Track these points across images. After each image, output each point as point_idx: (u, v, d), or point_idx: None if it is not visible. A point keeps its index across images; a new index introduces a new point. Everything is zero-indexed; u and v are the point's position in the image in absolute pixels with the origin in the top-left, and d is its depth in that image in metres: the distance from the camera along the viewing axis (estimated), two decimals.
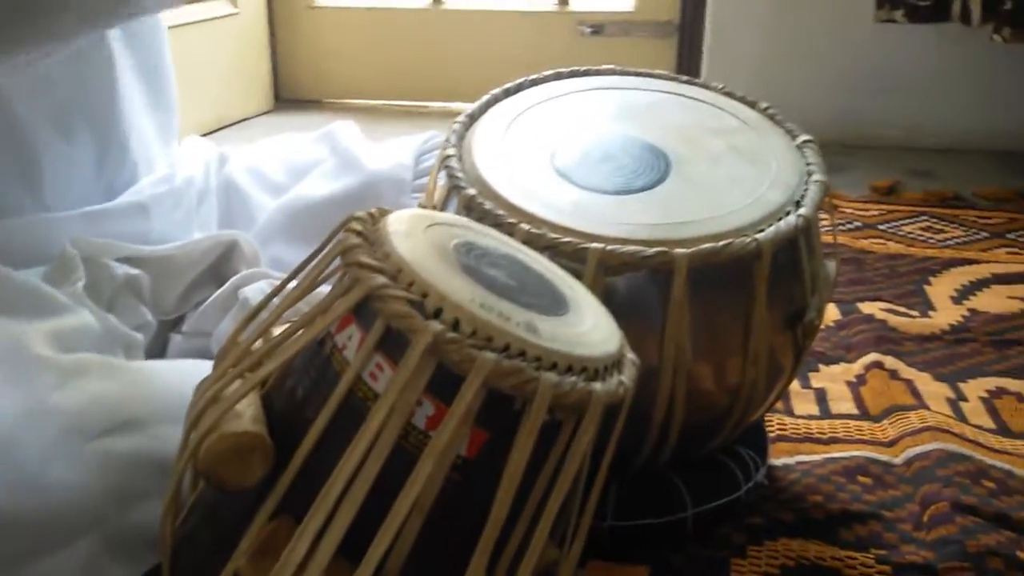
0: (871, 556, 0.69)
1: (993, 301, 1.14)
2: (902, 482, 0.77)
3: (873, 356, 0.98)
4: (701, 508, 0.70)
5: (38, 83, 0.71)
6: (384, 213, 0.51)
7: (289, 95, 2.24)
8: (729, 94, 0.78)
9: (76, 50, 0.71)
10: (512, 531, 0.45)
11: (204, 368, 0.53)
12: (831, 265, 0.73)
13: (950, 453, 0.80)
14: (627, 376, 0.49)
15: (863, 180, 1.62)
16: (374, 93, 2.22)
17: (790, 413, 0.88)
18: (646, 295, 0.63)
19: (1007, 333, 1.05)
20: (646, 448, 0.66)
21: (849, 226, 1.41)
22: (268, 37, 2.17)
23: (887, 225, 1.42)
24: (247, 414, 0.45)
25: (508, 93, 0.76)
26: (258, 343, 0.50)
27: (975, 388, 0.93)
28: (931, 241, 1.36)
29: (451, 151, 0.69)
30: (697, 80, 0.80)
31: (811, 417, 0.88)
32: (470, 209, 0.64)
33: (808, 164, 0.71)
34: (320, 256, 0.49)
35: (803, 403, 0.90)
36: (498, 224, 0.62)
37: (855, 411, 0.89)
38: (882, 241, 1.35)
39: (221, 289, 0.76)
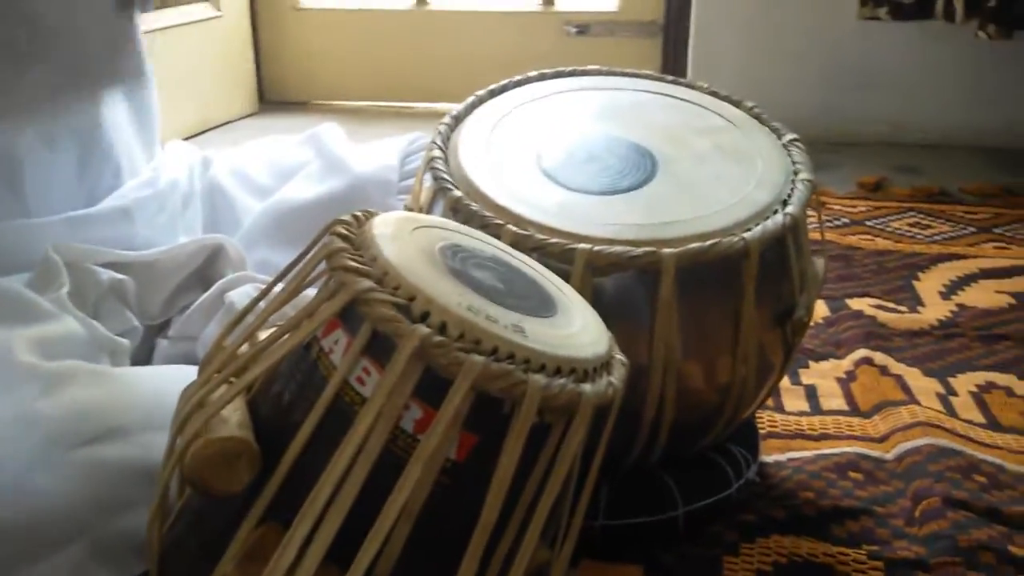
0: (863, 552, 0.68)
1: (981, 296, 1.14)
2: (893, 478, 0.77)
3: (863, 352, 0.98)
4: (692, 506, 0.69)
5: None
6: (369, 216, 0.51)
7: (274, 97, 2.23)
8: (715, 93, 0.78)
9: None
10: (503, 533, 0.45)
11: (190, 373, 0.53)
12: (819, 263, 0.73)
13: (941, 448, 0.80)
14: (616, 377, 0.48)
15: (850, 177, 1.63)
16: (359, 94, 2.21)
17: (781, 410, 0.88)
18: (634, 295, 0.62)
19: (995, 328, 1.06)
20: (636, 447, 0.66)
21: (837, 223, 1.41)
22: (252, 39, 2.16)
23: (875, 221, 1.42)
24: (233, 419, 0.45)
25: (493, 94, 0.76)
26: (244, 348, 0.49)
27: (965, 383, 0.93)
28: (919, 237, 1.36)
29: (437, 153, 0.69)
30: (682, 80, 0.80)
31: (802, 414, 0.88)
32: (456, 211, 0.64)
33: (794, 163, 0.71)
34: (305, 260, 0.49)
35: (793, 400, 0.90)
36: (485, 226, 0.61)
37: (846, 407, 0.89)
38: (870, 237, 1.35)
39: (207, 293, 0.75)
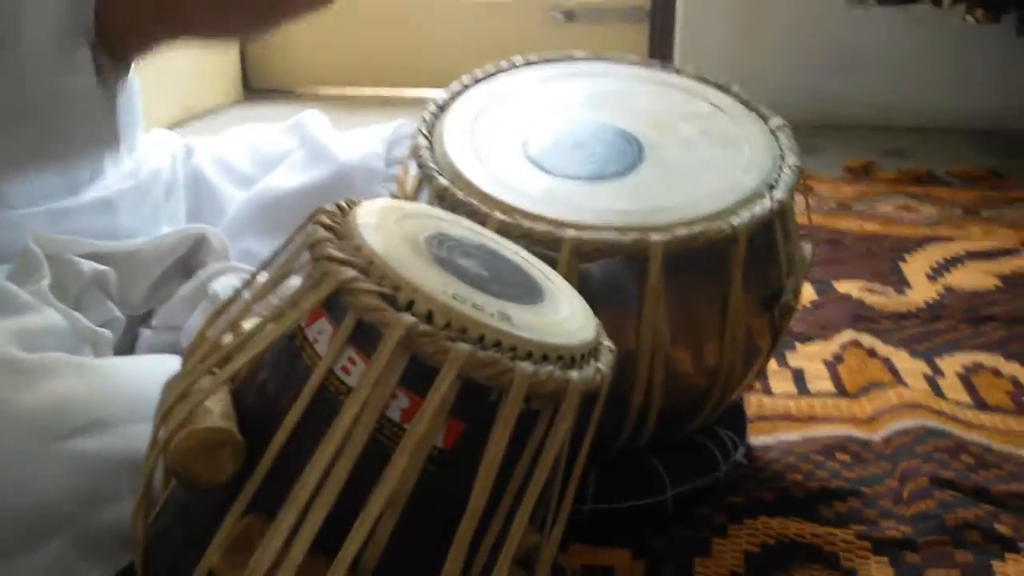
0: (851, 532, 0.69)
1: (968, 278, 1.15)
2: (881, 459, 0.78)
3: (850, 334, 0.98)
4: (681, 489, 0.70)
5: None
6: (353, 204, 0.50)
7: (259, 85, 2.22)
8: (701, 79, 0.78)
9: None
10: (491, 520, 0.45)
11: (173, 364, 0.53)
12: (807, 247, 0.73)
13: (928, 429, 0.80)
14: (604, 363, 0.48)
15: (836, 160, 1.63)
16: (345, 81, 2.20)
17: (768, 392, 0.88)
18: (622, 281, 0.62)
19: (982, 309, 1.06)
20: (625, 432, 0.66)
21: (824, 207, 1.41)
22: None
23: (862, 205, 1.42)
24: (217, 410, 0.44)
25: (479, 80, 0.76)
26: (227, 338, 0.49)
27: (952, 364, 0.94)
28: (905, 219, 1.36)
29: (422, 140, 0.68)
30: (669, 65, 0.79)
31: (789, 396, 0.88)
32: (442, 199, 0.64)
33: (781, 148, 0.71)
34: (289, 249, 0.49)
35: (781, 382, 0.90)
36: (471, 213, 0.61)
37: (833, 389, 0.89)
38: (857, 221, 1.36)
39: (190, 283, 0.75)
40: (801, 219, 0.72)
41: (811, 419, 0.84)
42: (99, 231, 0.74)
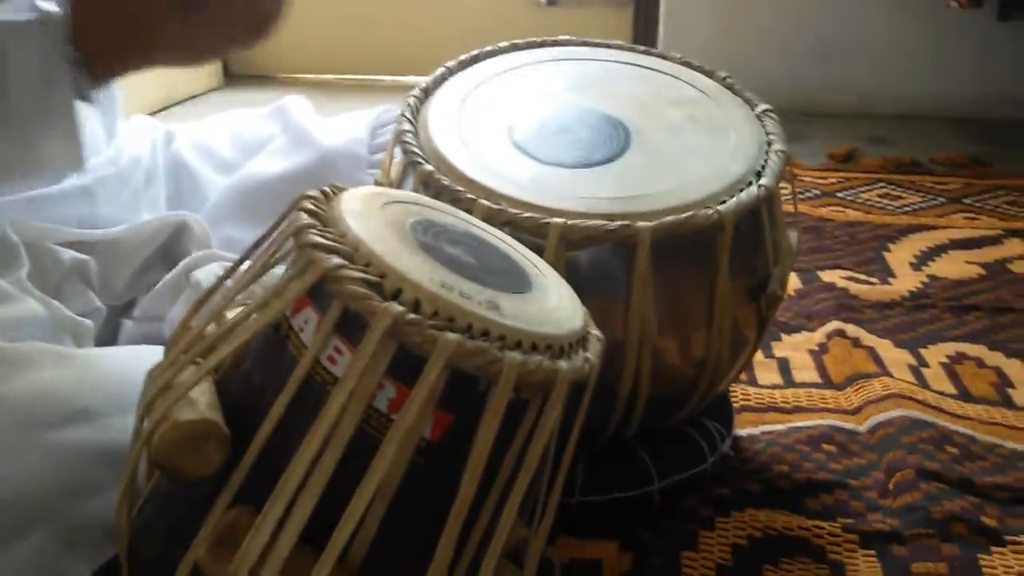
0: (838, 525, 0.69)
1: (951, 267, 1.15)
2: (867, 450, 0.77)
3: (834, 324, 0.98)
4: (668, 481, 0.69)
5: None
6: (338, 191, 0.49)
7: (239, 71, 2.19)
8: (687, 64, 0.77)
9: None
10: (480, 511, 0.44)
11: (155, 354, 0.51)
12: (793, 235, 0.73)
13: (913, 420, 0.80)
14: (592, 353, 0.48)
15: (820, 148, 1.63)
16: (326, 67, 2.18)
17: (754, 383, 0.88)
18: (609, 269, 0.62)
19: (965, 299, 1.06)
20: (612, 422, 0.65)
21: (808, 194, 1.41)
22: None
23: (845, 193, 1.42)
24: (201, 401, 0.44)
25: (463, 65, 0.75)
26: (211, 327, 0.48)
27: (936, 354, 0.94)
28: (889, 208, 1.36)
29: (407, 126, 0.67)
30: (655, 50, 0.79)
31: (775, 387, 0.88)
32: (427, 185, 0.63)
33: (768, 134, 0.70)
34: (272, 237, 0.48)
35: (766, 373, 0.90)
36: (456, 200, 0.60)
37: (818, 380, 0.89)
38: (841, 209, 1.36)
39: (172, 272, 0.73)
40: (787, 206, 0.72)
41: (797, 410, 0.84)
42: (78, 219, 0.73)
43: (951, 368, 0.91)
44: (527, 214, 0.60)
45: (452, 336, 0.41)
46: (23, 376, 0.54)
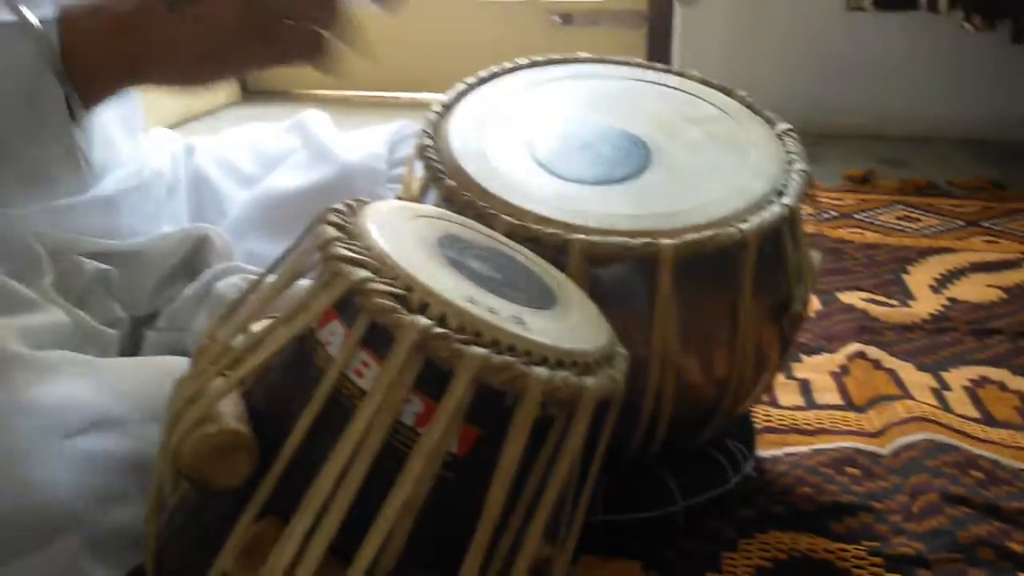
0: (863, 548, 0.68)
1: (972, 290, 1.14)
2: (891, 473, 0.76)
3: (855, 346, 0.97)
4: (691, 502, 0.68)
5: None
6: (362, 204, 0.49)
7: (257, 87, 2.20)
8: (706, 82, 0.77)
9: None
10: (505, 529, 0.43)
11: (180, 364, 0.51)
12: (815, 255, 0.72)
13: (937, 443, 0.79)
14: (618, 370, 0.47)
15: (835, 169, 1.62)
16: (342, 84, 2.19)
17: (775, 404, 0.87)
18: (631, 287, 0.61)
19: (987, 322, 1.05)
20: (634, 441, 0.65)
21: (825, 216, 1.40)
22: None
23: (863, 214, 1.42)
24: (229, 413, 0.43)
25: (482, 81, 0.74)
26: (238, 340, 0.48)
27: (958, 377, 0.93)
28: (908, 230, 1.35)
29: (428, 141, 0.67)
30: (673, 68, 0.78)
31: (796, 408, 0.87)
32: (450, 200, 0.63)
33: (788, 153, 0.70)
34: (298, 250, 0.47)
35: (788, 394, 0.89)
36: (479, 216, 0.60)
37: (840, 402, 0.88)
38: (859, 230, 1.35)
39: (195, 283, 0.73)
40: (807, 226, 0.71)
41: (819, 431, 0.83)
42: (101, 230, 0.73)
43: (974, 392, 0.90)
44: (550, 230, 0.59)
45: (479, 351, 0.41)
46: (48, 383, 0.54)
